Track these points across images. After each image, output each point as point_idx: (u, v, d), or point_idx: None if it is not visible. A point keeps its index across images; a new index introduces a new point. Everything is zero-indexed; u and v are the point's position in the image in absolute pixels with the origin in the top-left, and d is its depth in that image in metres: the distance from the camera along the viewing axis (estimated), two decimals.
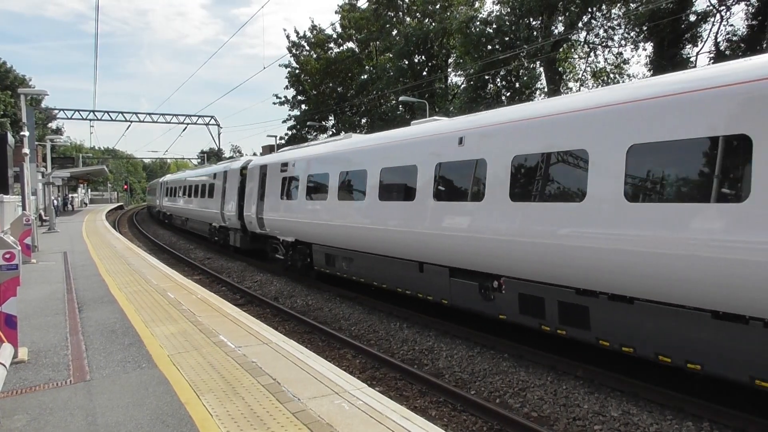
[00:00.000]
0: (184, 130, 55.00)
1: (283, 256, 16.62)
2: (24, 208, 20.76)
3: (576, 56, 36.67)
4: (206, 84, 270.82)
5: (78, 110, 48.27)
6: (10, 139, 22.40)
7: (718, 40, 26.90)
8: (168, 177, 42.07)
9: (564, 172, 7.40)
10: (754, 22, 25.32)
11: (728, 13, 26.61)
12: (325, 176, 13.44)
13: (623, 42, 31.84)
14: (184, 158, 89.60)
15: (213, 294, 10.63)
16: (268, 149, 43.33)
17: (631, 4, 30.04)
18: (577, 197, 7.07)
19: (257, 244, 19.29)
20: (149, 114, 52.18)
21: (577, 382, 7.47)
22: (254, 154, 55.37)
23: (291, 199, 15.35)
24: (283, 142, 50.24)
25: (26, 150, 22.20)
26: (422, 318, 10.97)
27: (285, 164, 16.07)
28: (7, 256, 6.00)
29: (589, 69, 35.25)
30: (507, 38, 33.18)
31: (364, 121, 51.18)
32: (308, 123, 52.15)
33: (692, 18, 27.57)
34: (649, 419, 6.31)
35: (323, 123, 54.32)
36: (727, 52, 25.49)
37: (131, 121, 50.77)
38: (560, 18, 33.30)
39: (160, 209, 42.05)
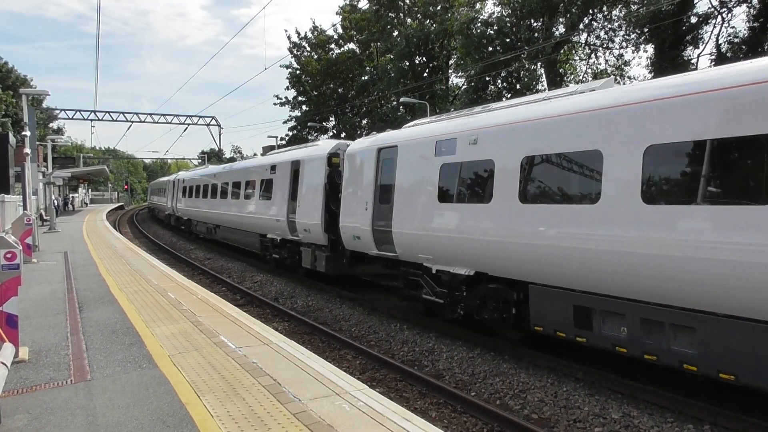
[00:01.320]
0: (185, 130, 55.13)
1: (439, 298, 9.84)
2: (25, 208, 20.79)
3: (577, 58, 36.75)
4: (207, 84, 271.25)
5: (79, 110, 48.57)
6: (12, 139, 22.45)
7: (720, 42, 26.92)
8: (186, 173, 33.28)
9: None
10: (755, 24, 25.31)
11: (729, 15, 26.64)
12: (591, 156, 7.20)
13: (624, 44, 31.88)
14: (184, 158, 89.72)
15: (213, 294, 10.64)
16: (269, 149, 43.02)
17: (632, 6, 30.06)
18: None
19: (360, 269, 13.50)
20: (150, 114, 52.54)
21: (577, 384, 7.47)
22: (254, 155, 55.43)
23: (467, 200, 9.16)
24: (283, 142, 50.25)
25: (27, 150, 22.25)
26: (422, 319, 10.97)
27: (448, 141, 9.68)
28: (9, 255, 6.00)
29: (590, 70, 35.30)
30: (508, 39, 33.18)
31: (365, 122, 51.21)
32: (309, 124, 52.18)
33: (693, 20, 27.58)
34: (649, 421, 6.30)
35: (324, 124, 54.35)
36: (729, 54, 25.48)
37: (132, 122, 51.11)
38: (561, 19, 33.32)
39: (173, 213, 34.25)
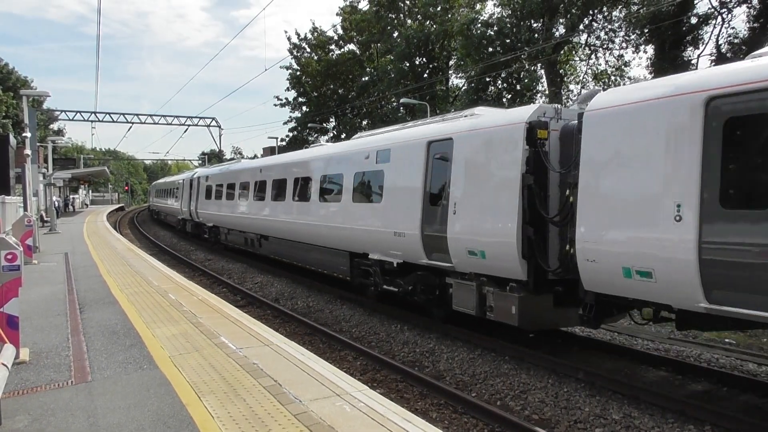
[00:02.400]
0: (185, 131, 55.03)
1: None
2: (25, 209, 20.83)
3: (577, 58, 36.76)
4: (207, 86, 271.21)
5: (79, 111, 48.60)
6: (12, 140, 22.47)
7: (720, 42, 26.93)
8: (211, 170, 27.48)
9: None
10: (755, 25, 25.33)
11: (729, 15, 26.65)
12: None
13: (624, 44, 31.89)
14: (185, 160, 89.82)
15: (214, 295, 10.64)
16: (269, 151, 42.94)
17: (632, 7, 30.09)
18: None
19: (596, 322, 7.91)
20: (150, 115, 52.42)
21: (578, 385, 7.46)
22: (254, 156, 55.44)
23: None
24: (284, 144, 50.29)
25: (28, 151, 22.31)
26: (423, 320, 10.96)
27: None
28: (9, 256, 6.01)
29: (590, 71, 35.33)
30: (508, 40, 33.19)
31: (365, 123, 51.23)
32: (309, 125, 52.22)
33: (693, 20, 27.60)
34: (650, 422, 6.30)
35: (324, 125, 54.40)
36: (729, 55, 25.49)
37: (132, 123, 51.05)
38: (561, 20, 33.35)
39: (191, 219, 28.42)
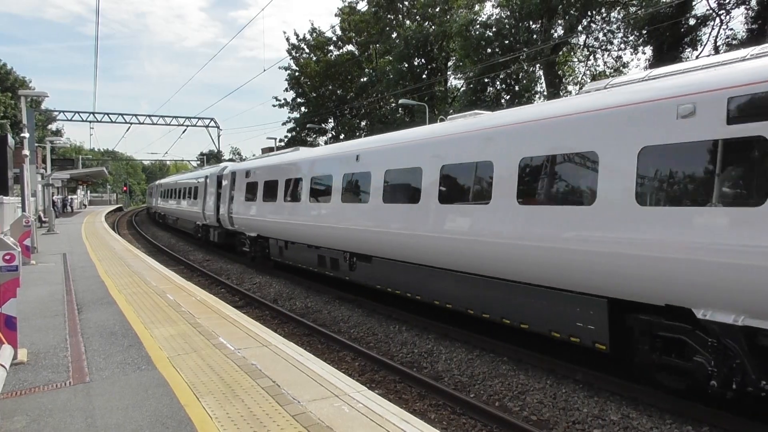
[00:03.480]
0: (183, 132, 55.01)
1: None
2: (24, 210, 20.81)
3: (576, 59, 36.80)
4: (205, 86, 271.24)
5: (78, 112, 48.55)
6: (11, 140, 22.43)
7: (718, 43, 26.99)
8: (257, 162, 20.12)
9: None
10: (754, 26, 25.39)
11: (728, 16, 26.72)
12: None
13: (623, 45, 31.93)
14: (183, 160, 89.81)
15: (212, 296, 10.63)
16: (268, 151, 42.86)
17: (631, 8, 30.14)
18: None
19: None
20: (149, 116, 52.37)
21: (576, 386, 7.47)
22: (253, 156, 55.40)
23: None
24: (282, 144, 50.29)
25: (26, 151, 22.26)
26: (421, 320, 10.96)
27: None
28: (7, 257, 6.00)
29: (588, 72, 35.35)
30: (507, 41, 33.24)
31: (363, 123, 51.29)
32: (308, 125, 52.24)
33: (692, 22, 27.66)
34: (648, 423, 6.30)
35: (323, 125, 54.42)
36: None
37: (131, 123, 51.05)
38: (560, 21, 33.39)
39: (219, 225, 22.66)
